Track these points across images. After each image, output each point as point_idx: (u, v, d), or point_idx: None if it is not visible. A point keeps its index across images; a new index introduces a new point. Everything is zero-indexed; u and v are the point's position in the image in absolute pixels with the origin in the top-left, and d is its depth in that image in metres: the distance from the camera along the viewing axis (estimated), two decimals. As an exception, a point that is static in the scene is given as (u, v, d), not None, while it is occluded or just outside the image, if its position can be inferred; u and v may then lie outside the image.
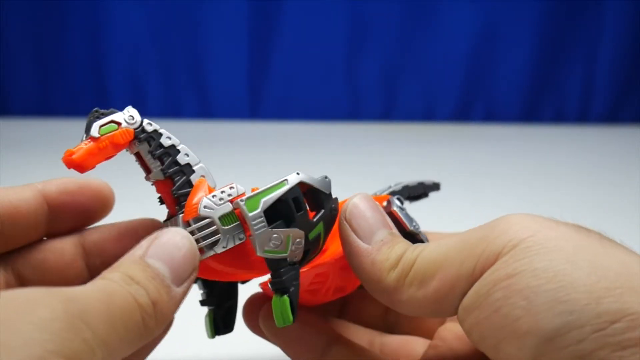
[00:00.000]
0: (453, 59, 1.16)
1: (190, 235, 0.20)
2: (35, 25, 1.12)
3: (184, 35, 1.14)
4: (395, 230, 0.23)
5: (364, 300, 0.28)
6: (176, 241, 0.19)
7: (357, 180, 0.59)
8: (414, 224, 0.26)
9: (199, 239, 0.21)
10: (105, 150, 0.21)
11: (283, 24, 1.14)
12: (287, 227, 0.22)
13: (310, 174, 0.23)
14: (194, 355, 0.33)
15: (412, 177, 0.31)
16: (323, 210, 0.23)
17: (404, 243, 0.22)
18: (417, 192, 0.30)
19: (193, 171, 0.23)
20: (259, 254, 0.21)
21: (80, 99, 1.16)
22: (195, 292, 0.24)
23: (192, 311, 0.27)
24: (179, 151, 0.23)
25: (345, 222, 0.23)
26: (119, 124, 0.22)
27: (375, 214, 0.23)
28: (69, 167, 0.21)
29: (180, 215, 0.22)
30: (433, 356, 0.24)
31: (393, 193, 0.29)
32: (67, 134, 1.03)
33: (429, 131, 1.10)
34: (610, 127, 1.18)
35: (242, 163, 0.81)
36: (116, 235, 0.24)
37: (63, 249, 0.23)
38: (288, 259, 0.22)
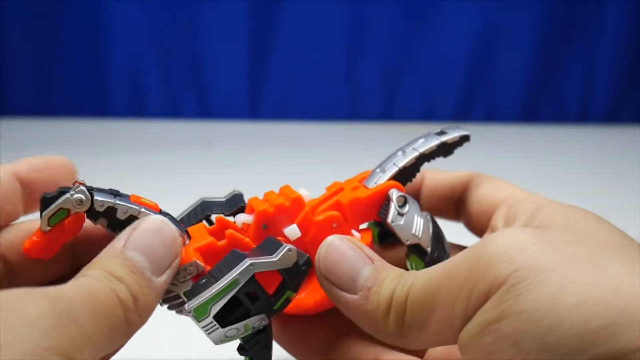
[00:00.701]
0: (453, 59, 1.16)
1: (167, 220, 0.21)
2: (35, 25, 1.12)
3: (184, 36, 1.14)
4: (377, 260, 0.22)
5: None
6: (155, 229, 0.20)
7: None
8: (415, 231, 0.24)
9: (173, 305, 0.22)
10: (61, 239, 0.21)
11: (283, 24, 1.14)
12: (244, 319, 0.22)
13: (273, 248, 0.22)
14: (198, 355, 0.33)
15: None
16: (285, 282, 0.22)
17: (390, 279, 0.21)
18: (437, 155, 0.27)
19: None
20: (215, 344, 0.22)
21: (80, 99, 1.16)
22: None
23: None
24: (117, 209, 0.22)
25: (323, 279, 0.22)
26: (67, 210, 0.21)
27: (350, 253, 0.22)
28: (29, 256, 0.21)
29: None
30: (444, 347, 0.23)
31: (404, 170, 0.26)
32: (67, 134, 1.03)
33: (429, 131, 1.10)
34: (610, 127, 1.18)
35: (242, 163, 0.81)
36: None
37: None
38: (252, 332, 0.22)
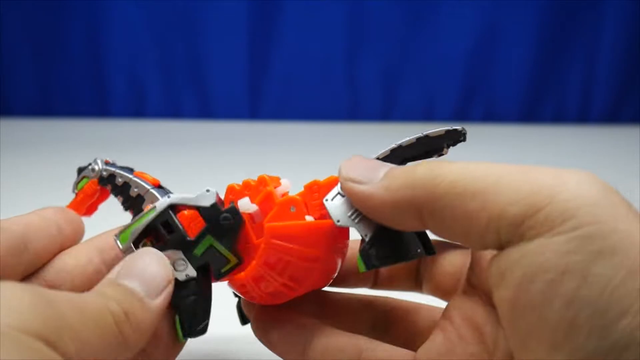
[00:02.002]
0: (453, 59, 1.16)
1: (160, 252, 0.22)
2: (35, 25, 1.12)
3: (184, 35, 1.14)
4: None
5: (345, 307, 0.26)
6: (144, 259, 0.21)
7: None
8: (351, 215, 0.22)
9: None
10: (84, 200, 0.28)
11: (283, 24, 1.14)
12: (160, 250, 0.22)
13: (208, 190, 0.23)
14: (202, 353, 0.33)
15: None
16: (206, 225, 0.23)
17: (424, 164, 0.19)
18: (434, 145, 0.23)
19: (143, 199, 0.26)
20: None
21: (80, 99, 1.16)
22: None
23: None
24: (130, 186, 0.26)
25: (344, 179, 0.21)
26: (89, 177, 0.28)
27: (369, 160, 0.21)
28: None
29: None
30: (440, 345, 0.22)
31: (394, 151, 0.23)
32: (67, 134, 1.03)
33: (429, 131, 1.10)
34: (610, 127, 1.18)
35: (242, 163, 0.81)
36: None
37: (77, 252, 0.24)
38: (179, 279, 0.22)
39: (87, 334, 0.16)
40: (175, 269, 0.22)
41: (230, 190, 0.25)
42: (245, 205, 0.24)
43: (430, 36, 1.15)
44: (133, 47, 1.14)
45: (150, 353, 0.22)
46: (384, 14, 1.13)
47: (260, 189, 0.25)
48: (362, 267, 0.21)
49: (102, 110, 1.16)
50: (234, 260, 0.23)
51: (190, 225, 0.23)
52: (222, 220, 0.23)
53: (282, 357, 0.25)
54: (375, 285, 0.27)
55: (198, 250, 0.23)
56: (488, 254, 0.19)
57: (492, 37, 1.15)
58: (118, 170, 0.27)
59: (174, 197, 0.23)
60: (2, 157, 0.79)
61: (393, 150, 0.23)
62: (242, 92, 1.18)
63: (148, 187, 0.26)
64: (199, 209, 0.23)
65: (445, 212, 0.18)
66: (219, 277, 0.23)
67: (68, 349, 0.15)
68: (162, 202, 0.23)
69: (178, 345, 0.23)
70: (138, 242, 0.23)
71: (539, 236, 0.16)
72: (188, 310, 0.23)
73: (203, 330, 0.23)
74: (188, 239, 0.23)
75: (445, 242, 0.24)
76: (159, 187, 0.26)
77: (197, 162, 0.81)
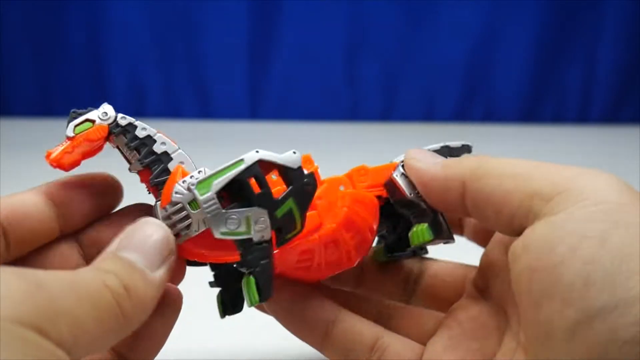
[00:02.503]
0: (453, 59, 1.16)
1: (160, 222, 0.20)
2: (35, 25, 1.12)
3: (184, 36, 1.14)
4: None
5: (380, 273, 0.29)
6: (145, 230, 0.19)
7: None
8: (417, 192, 0.25)
9: (175, 224, 0.21)
10: (81, 146, 0.22)
11: (283, 24, 1.14)
12: (245, 207, 0.21)
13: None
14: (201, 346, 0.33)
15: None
16: (291, 187, 0.22)
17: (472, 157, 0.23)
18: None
19: (171, 159, 0.23)
20: (216, 236, 0.21)
21: (80, 100, 1.16)
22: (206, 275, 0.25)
23: (196, 305, 0.27)
24: (155, 141, 0.24)
25: (410, 159, 0.24)
26: (93, 121, 0.23)
27: (429, 151, 0.25)
28: (52, 166, 0.22)
29: (159, 202, 0.22)
30: (448, 341, 0.23)
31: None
32: (67, 134, 1.03)
33: (429, 131, 1.10)
34: (610, 127, 1.18)
35: (242, 163, 0.80)
36: (109, 225, 0.24)
37: (62, 251, 0.23)
38: (254, 239, 0.21)
39: (83, 317, 0.15)
40: (257, 227, 0.21)
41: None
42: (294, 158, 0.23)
43: (430, 36, 1.15)
44: (133, 47, 1.14)
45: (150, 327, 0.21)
46: (384, 14, 1.13)
47: (308, 166, 0.25)
48: (429, 236, 0.25)
49: (102, 110, 1.16)
50: (299, 227, 0.22)
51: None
52: (305, 185, 0.22)
53: (302, 339, 0.25)
54: (359, 286, 0.28)
55: (279, 212, 0.22)
56: (499, 259, 0.24)
57: (492, 37, 1.15)
58: (139, 121, 0.24)
59: (263, 153, 0.22)
60: (2, 157, 0.79)
61: (442, 147, 0.28)
62: (242, 92, 1.18)
63: (176, 145, 0.24)
64: (285, 169, 0.22)
65: (485, 190, 0.21)
66: (281, 244, 0.22)
67: (63, 336, 0.14)
68: (252, 156, 0.22)
69: (175, 314, 0.23)
70: (219, 195, 0.21)
71: (564, 210, 0.18)
72: (265, 273, 0.21)
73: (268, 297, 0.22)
74: (274, 200, 0.22)
75: (442, 260, 0.28)
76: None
77: (197, 162, 0.81)
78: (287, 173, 0.22)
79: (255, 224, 0.21)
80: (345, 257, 0.24)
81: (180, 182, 0.22)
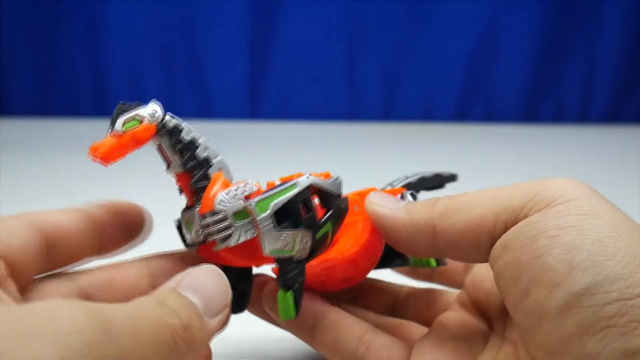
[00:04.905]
0: (453, 59, 1.16)
1: (222, 272, 0.20)
2: (35, 25, 1.12)
3: (184, 35, 1.14)
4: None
5: (373, 290, 0.30)
6: (208, 275, 0.19)
7: (357, 180, 0.59)
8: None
9: (213, 232, 0.22)
10: (128, 145, 0.23)
11: (283, 24, 1.14)
12: (295, 227, 0.22)
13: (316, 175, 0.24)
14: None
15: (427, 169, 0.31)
16: (331, 211, 0.23)
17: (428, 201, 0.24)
18: (433, 183, 0.31)
19: (211, 165, 0.24)
20: (265, 253, 0.22)
21: (80, 99, 1.16)
22: None
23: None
24: (198, 146, 0.24)
25: (370, 204, 0.24)
26: (142, 119, 0.23)
27: (391, 195, 0.26)
28: (94, 161, 0.22)
29: (197, 208, 0.22)
30: (436, 340, 0.24)
31: (409, 185, 0.29)
32: (67, 134, 1.03)
33: (429, 131, 1.10)
34: (610, 127, 1.18)
35: (242, 163, 0.80)
36: (178, 260, 0.24)
37: (128, 270, 0.23)
38: (294, 258, 0.22)
39: (141, 355, 0.15)
40: (299, 247, 0.22)
41: (270, 185, 0.25)
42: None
43: (430, 36, 1.15)
44: (133, 47, 1.14)
45: None
46: (384, 13, 1.13)
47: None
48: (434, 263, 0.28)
49: (102, 110, 1.16)
50: (328, 246, 0.24)
51: None
52: (341, 210, 0.24)
53: (291, 331, 0.26)
54: (354, 303, 0.29)
55: (319, 233, 0.23)
56: (482, 273, 0.26)
57: (492, 37, 1.15)
58: (185, 122, 0.24)
59: (313, 179, 0.23)
60: (2, 157, 0.79)
61: (420, 179, 0.29)
62: (242, 92, 1.18)
63: (218, 152, 0.24)
64: (329, 195, 0.23)
65: (458, 225, 0.21)
66: (311, 259, 0.23)
67: None
68: (305, 181, 0.23)
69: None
70: (277, 216, 0.22)
71: (538, 211, 0.20)
72: (301, 290, 0.23)
73: None
74: (318, 222, 0.23)
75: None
76: None
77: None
78: (329, 198, 0.23)
79: (299, 244, 0.22)
80: (360, 275, 0.26)
81: (224, 192, 0.22)
